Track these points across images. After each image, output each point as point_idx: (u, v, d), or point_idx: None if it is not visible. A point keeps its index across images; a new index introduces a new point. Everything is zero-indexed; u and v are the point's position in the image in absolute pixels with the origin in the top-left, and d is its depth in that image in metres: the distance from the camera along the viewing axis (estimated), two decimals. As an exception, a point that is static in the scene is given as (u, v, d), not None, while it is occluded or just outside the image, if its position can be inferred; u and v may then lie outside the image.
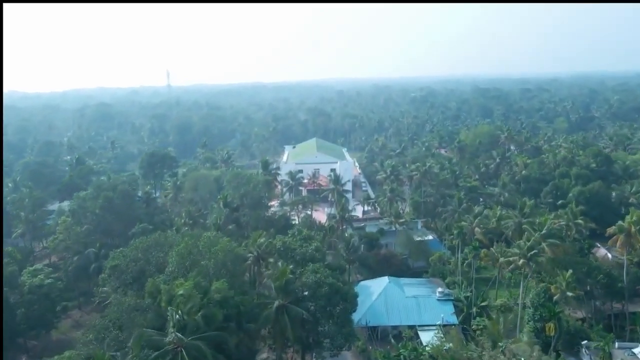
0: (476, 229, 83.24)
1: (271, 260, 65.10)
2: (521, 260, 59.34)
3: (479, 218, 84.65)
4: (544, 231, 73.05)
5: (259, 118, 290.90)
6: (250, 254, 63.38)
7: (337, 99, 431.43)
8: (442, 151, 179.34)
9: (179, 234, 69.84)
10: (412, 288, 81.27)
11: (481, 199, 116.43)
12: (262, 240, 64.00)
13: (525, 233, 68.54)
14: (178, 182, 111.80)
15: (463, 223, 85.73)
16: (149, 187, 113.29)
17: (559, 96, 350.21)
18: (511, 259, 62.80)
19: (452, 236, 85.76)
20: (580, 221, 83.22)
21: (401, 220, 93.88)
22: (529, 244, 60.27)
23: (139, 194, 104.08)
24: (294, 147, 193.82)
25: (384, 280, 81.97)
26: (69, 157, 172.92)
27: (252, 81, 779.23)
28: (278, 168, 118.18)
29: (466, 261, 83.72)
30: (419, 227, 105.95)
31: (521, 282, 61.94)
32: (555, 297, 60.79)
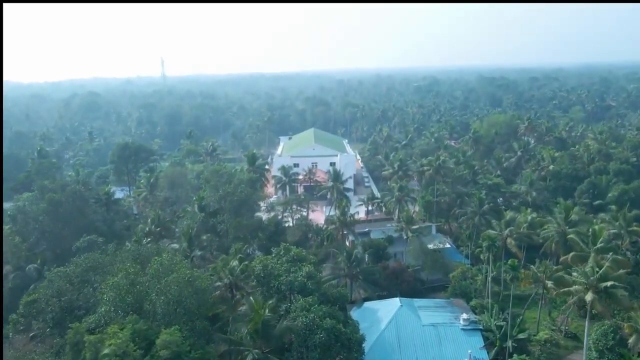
0: (509, 239, 67.31)
1: (252, 283, 49.73)
2: (589, 295, 43.50)
3: (511, 227, 68.49)
4: (599, 244, 57.41)
5: (254, 108, 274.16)
6: (219, 283, 47.64)
7: (337, 88, 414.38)
8: (452, 143, 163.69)
9: (134, 250, 54.03)
10: (430, 313, 65.58)
11: (501, 199, 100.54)
12: (234, 263, 48.17)
13: (593, 256, 52.29)
14: (152, 180, 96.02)
15: (490, 232, 69.95)
16: (109, 186, 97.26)
17: (569, 85, 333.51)
18: (572, 289, 46.75)
19: (479, 249, 70.01)
20: (637, 228, 67.42)
21: (414, 227, 77.95)
22: (600, 271, 44.26)
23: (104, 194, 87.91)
24: (290, 139, 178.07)
25: (395, 303, 66.27)
26: (47, 149, 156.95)
27: (251, 72, 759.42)
28: (267, 163, 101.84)
29: (491, 274, 68.18)
30: (433, 231, 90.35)
31: (586, 321, 46.12)
32: (630, 341, 45.06)
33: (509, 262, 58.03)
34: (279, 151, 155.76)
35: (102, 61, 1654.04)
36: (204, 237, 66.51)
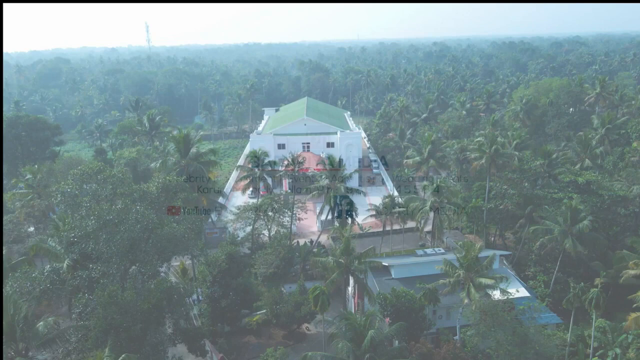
0: None
1: None
2: None
3: None
4: None
5: (241, 75, 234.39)
6: None
7: (337, 55, 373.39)
8: (482, 115, 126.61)
9: None
10: None
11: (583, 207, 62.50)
12: None
13: None
14: (38, 177, 59.81)
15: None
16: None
17: (597, 51, 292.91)
18: None
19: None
20: None
21: (486, 282, 41.42)
22: None
23: None
24: (276, 111, 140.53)
25: None
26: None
27: (247, 42, 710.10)
28: (213, 152, 63.15)
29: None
30: (496, 265, 53.89)
31: None
32: None
33: None
34: (260, 127, 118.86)
35: (96, 31, 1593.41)
36: (43, 323, 30.36)
